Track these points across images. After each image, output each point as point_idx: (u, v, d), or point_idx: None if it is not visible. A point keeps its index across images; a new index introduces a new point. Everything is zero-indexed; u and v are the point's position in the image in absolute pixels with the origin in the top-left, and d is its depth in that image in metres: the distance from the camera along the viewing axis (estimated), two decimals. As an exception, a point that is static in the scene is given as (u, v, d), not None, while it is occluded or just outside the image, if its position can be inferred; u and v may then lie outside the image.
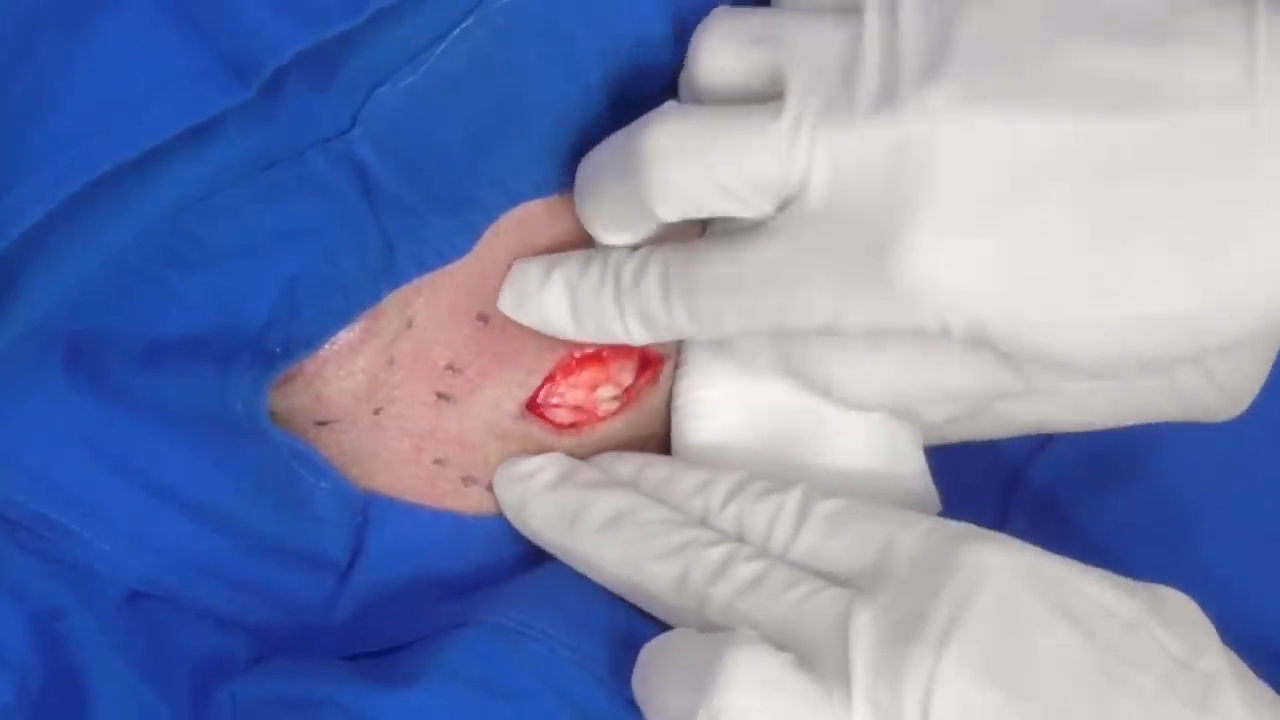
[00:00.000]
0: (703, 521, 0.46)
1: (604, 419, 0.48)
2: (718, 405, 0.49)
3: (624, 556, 0.45)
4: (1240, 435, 0.49)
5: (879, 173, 0.40)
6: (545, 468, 0.47)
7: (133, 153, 0.39)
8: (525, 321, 0.46)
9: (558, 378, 0.47)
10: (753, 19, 0.43)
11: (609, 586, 0.46)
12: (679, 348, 0.50)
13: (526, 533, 0.47)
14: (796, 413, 0.48)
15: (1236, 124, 0.39)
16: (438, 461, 0.47)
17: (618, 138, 0.44)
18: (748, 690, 0.40)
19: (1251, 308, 0.40)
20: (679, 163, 0.42)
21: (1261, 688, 0.41)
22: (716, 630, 0.43)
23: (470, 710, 0.43)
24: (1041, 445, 0.54)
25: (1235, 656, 0.42)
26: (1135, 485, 0.55)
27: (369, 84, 0.42)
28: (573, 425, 0.48)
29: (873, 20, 0.41)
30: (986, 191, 0.39)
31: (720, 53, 0.43)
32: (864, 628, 0.41)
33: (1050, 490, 0.56)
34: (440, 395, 0.47)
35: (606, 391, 0.48)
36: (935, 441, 0.50)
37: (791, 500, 0.45)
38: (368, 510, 0.47)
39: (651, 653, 0.43)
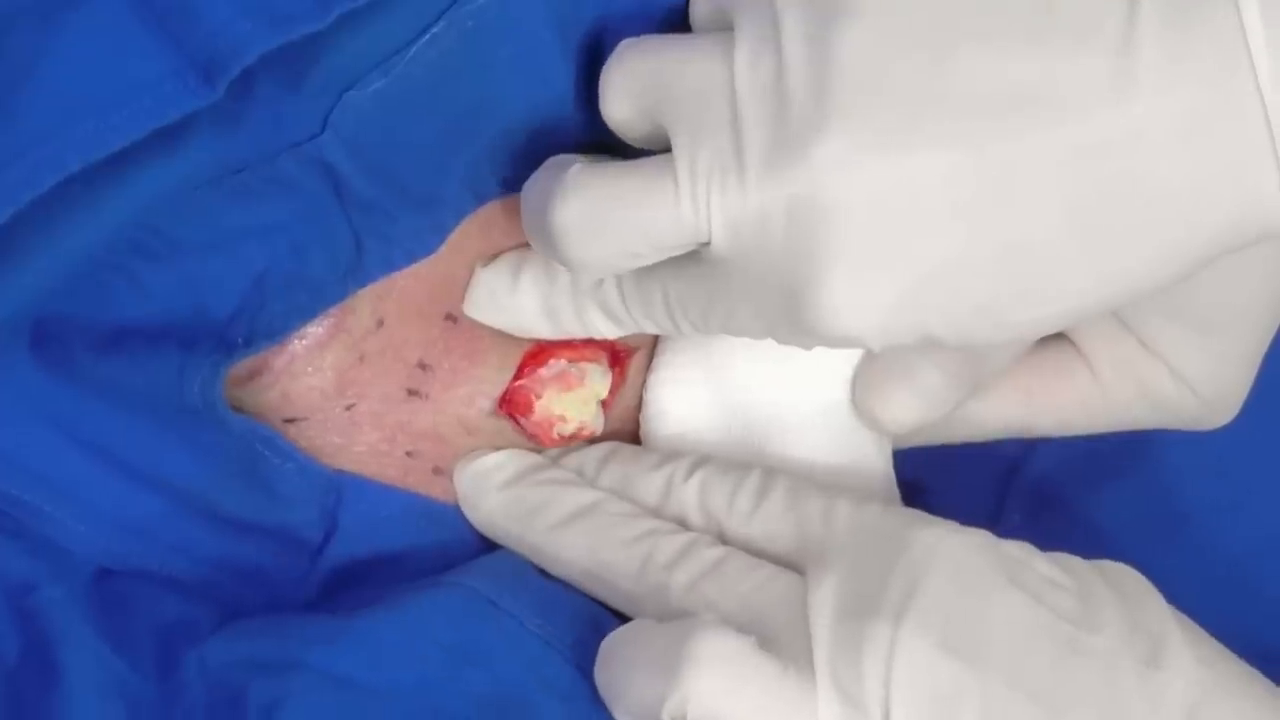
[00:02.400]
0: (665, 495, 0.46)
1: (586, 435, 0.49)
2: (686, 402, 0.49)
3: (584, 547, 0.46)
4: (1235, 430, 0.49)
5: (777, 230, 0.40)
6: (505, 465, 0.48)
7: (100, 154, 0.39)
8: (497, 325, 0.47)
9: (526, 371, 0.48)
10: (642, 60, 0.42)
11: (568, 579, 0.47)
12: (651, 342, 0.50)
13: (482, 527, 0.48)
14: (764, 409, 0.49)
15: (1112, 129, 0.37)
16: (409, 454, 0.48)
17: (533, 197, 0.44)
18: (715, 672, 0.41)
19: (1154, 288, 0.39)
20: (588, 240, 0.42)
21: (1211, 641, 0.42)
22: (676, 617, 0.44)
23: (441, 675, 0.44)
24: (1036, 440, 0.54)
25: (1183, 617, 0.42)
26: (1131, 480, 0.55)
27: (338, 87, 0.42)
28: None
29: (744, 57, 0.40)
30: (885, 235, 0.39)
31: (617, 103, 0.43)
32: (822, 604, 0.41)
33: (1046, 484, 0.56)
34: (411, 392, 0.47)
35: (587, 411, 0.48)
36: (911, 444, 0.50)
37: (754, 475, 0.46)
38: (341, 490, 0.47)
39: (613, 643, 0.44)
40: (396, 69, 0.42)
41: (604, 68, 0.43)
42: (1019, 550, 0.43)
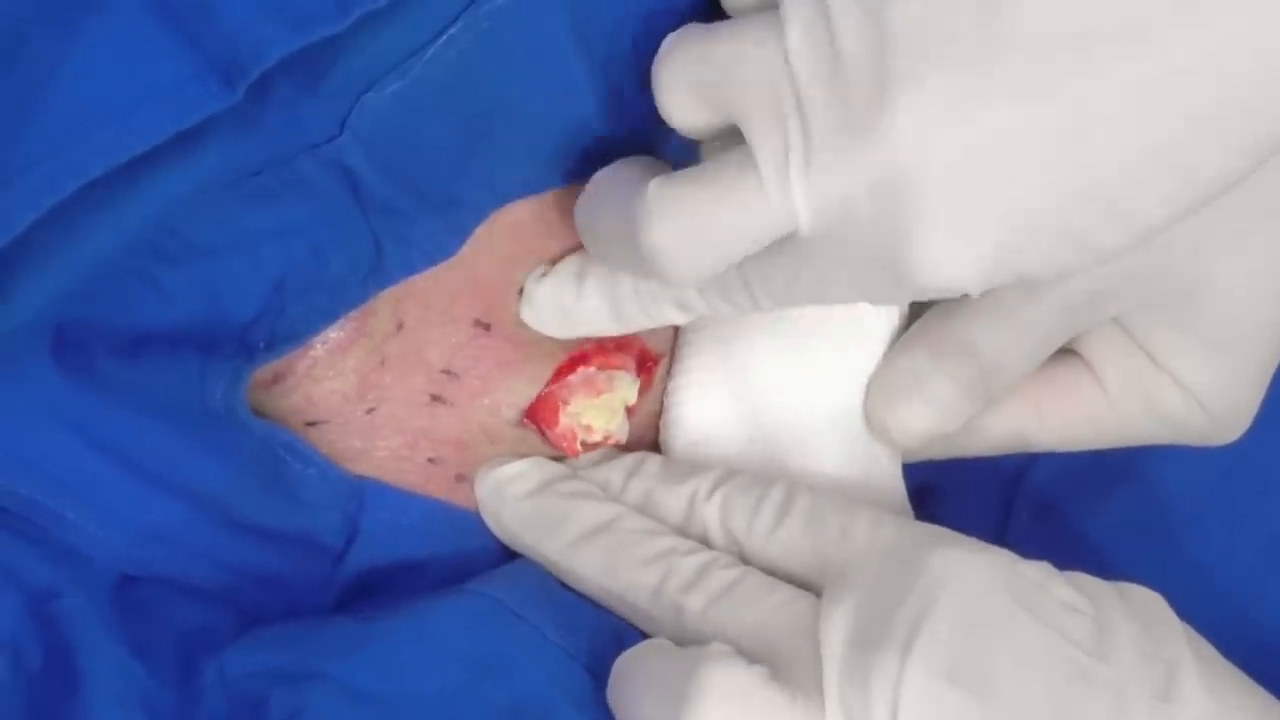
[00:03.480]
0: (688, 513, 0.46)
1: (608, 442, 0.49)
2: (706, 408, 0.49)
3: (603, 564, 0.46)
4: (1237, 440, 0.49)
5: (863, 206, 0.39)
6: (527, 474, 0.48)
7: (121, 158, 0.39)
8: (561, 334, 0.47)
9: (556, 381, 0.48)
10: (692, 55, 0.42)
11: (586, 594, 0.47)
12: (673, 347, 0.50)
13: (502, 536, 0.48)
14: (782, 415, 0.49)
15: (1180, 56, 0.37)
16: (431, 460, 0.48)
17: (606, 220, 0.43)
18: (723, 704, 0.41)
19: (1234, 184, 0.39)
20: (688, 256, 0.41)
21: (1226, 669, 0.42)
22: (692, 639, 0.44)
23: (462, 686, 0.44)
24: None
25: (1202, 642, 0.42)
26: (1135, 483, 0.55)
27: (356, 89, 0.42)
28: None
29: (796, 38, 0.40)
30: (971, 196, 0.39)
31: (677, 105, 0.42)
32: (833, 632, 0.41)
33: (1053, 487, 0.55)
34: (435, 397, 0.47)
35: (614, 420, 0.48)
36: (920, 458, 0.50)
37: (775, 493, 0.46)
38: (363, 495, 0.47)
39: (625, 665, 0.44)
40: (414, 71, 0.42)
41: (654, 68, 0.42)
42: (1037, 573, 0.42)
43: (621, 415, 0.48)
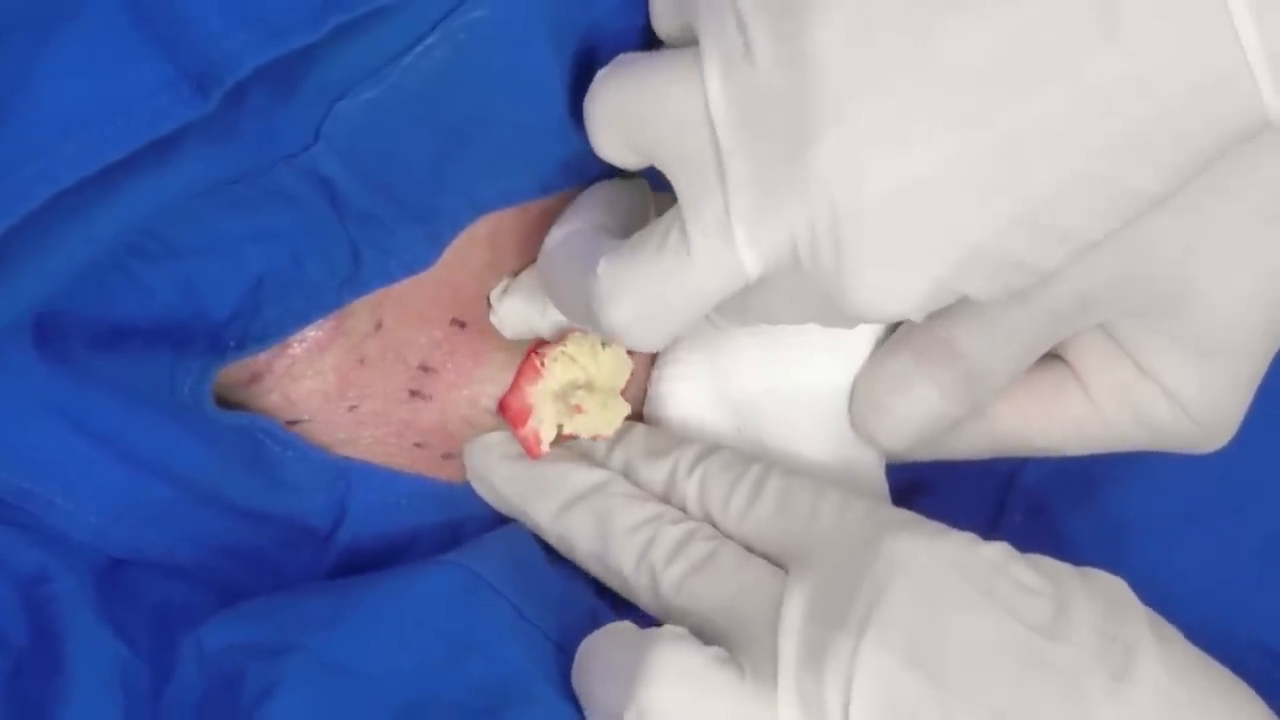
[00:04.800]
0: (669, 486, 0.47)
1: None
2: (690, 398, 0.49)
3: (591, 527, 0.46)
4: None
5: (804, 247, 0.40)
6: (514, 439, 0.48)
7: (94, 167, 0.39)
8: (536, 335, 0.47)
9: (528, 373, 0.48)
10: (619, 95, 0.42)
11: (572, 557, 0.47)
12: None
13: (492, 501, 0.48)
14: (767, 417, 0.49)
15: (1109, 73, 0.37)
16: (418, 445, 0.48)
17: (567, 296, 0.44)
18: (673, 686, 0.41)
19: (1168, 196, 0.39)
20: (648, 330, 0.42)
21: (1187, 651, 0.42)
22: (666, 609, 0.44)
23: (439, 661, 0.44)
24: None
25: (1164, 625, 0.42)
26: (1125, 487, 0.55)
27: (329, 98, 0.42)
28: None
29: (715, 77, 0.40)
30: (909, 228, 0.39)
31: (606, 144, 0.42)
32: (792, 613, 0.42)
33: (1042, 491, 0.55)
34: (414, 393, 0.47)
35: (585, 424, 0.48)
36: (904, 461, 0.50)
37: (753, 471, 0.46)
38: (350, 477, 0.47)
39: (587, 648, 0.44)
40: (389, 79, 0.42)
41: (585, 104, 0.42)
42: (998, 554, 0.42)
43: (608, 409, 0.48)
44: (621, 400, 0.49)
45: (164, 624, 0.45)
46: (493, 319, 0.47)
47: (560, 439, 0.48)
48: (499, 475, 0.48)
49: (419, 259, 0.45)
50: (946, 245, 0.39)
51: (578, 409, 0.47)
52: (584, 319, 0.44)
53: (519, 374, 0.48)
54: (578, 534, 0.47)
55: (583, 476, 0.47)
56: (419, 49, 0.42)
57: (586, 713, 0.44)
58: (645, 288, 0.41)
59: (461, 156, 0.44)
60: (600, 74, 0.42)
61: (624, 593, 0.46)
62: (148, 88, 0.39)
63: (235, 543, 0.47)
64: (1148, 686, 0.40)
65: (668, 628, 0.43)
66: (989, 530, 0.53)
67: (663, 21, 0.43)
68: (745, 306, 0.42)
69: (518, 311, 0.47)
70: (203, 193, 0.42)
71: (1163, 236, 0.45)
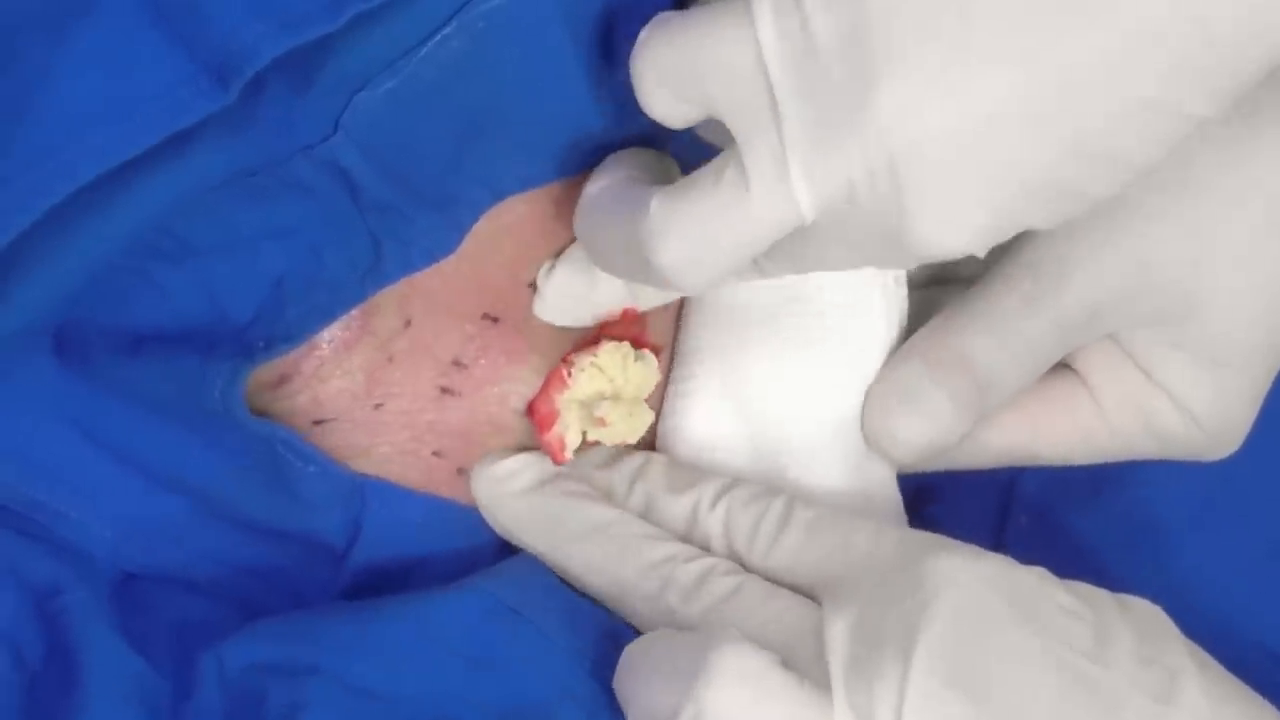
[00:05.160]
0: (691, 522, 0.46)
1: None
2: (704, 416, 0.49)
3: (601, 568, 0.46)
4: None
5: (863, 189, 0.39)
6: (523, 471, 0.48)
7: (115, 161, 0.39)
8: (580, 322, 0.47)
9: (554, 379, 0.48)
10: (668, 49, 0.41)
11: (586, 592, 0.47)
12: (673, 340, 0.50)
13: (500, 531, 0.48)
14: (780, 431, 0.49)
15: (1158, 10, 0.37)
16: (435, 454, 0.48)
17: (610, 238, 0.44)
18: (733, 686, 0.41)
19: (1220, 116, 0.39)
20: (699, 270, 0.42)
21: (1225, 677, 0.42)
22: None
23: (460, 684, 0.44)
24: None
25: (1203, 653, 0.42)
26: (1128, 491, 0.55)
27: (349, 89, 0.42)
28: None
29: (767, 26, 0.40)
30: (966, 166, 0.39)
31: (657, 100, 0.42)
32: (838, 635, 0.41)
33: (1046, 494, 0.55)
34: (444, 389, 0.47)
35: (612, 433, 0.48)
36: (914, 471, 0.50)
37: (777, 505, 0.46)
38: (365, 494, 0.47)
39: (635, 650, 0.44)
40: (407, 69, 0.42)
41: (631, 62, 0.42)
42: (1036, 579, 0.42)
43: (632, 419, 0.48)
44: (646, 408, 0.48)
45: (181, 639, 0.44)
46: (537, 304, 0.47)
47: (585, 446, 0.48)
48: (507, 510, 0.48)
49: (440, 246, 0.45)
50: (1005, 178, 0.39)
51: (601, 422, 0.47)
52: (629, 267, 0.43)
53: (549, 379, 0.48)
54: (589, 572, 0.46)
55: (591, 513, 0.47)
56: (436, 39, 0.42)
57: (629, 717, 0.43)
58: (700, 224, 0.41)
59: (479, 143, 0.44)
60: (644, 33, 0.42)
61: (644, 629, 0.46)
62: (167, 82, 0.39)
63: (250, 559, 0.46)
64: (1189, 711, 0.40)
65: (727, 629, 0.42)
66: (994, 534, 0.53)
67: None
68: (801, 253, 0.42)
69: (565, 286, 0.47)
70: (220, 185, 0.41)
71: (1171, 246, 0.45)
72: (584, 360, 0.48)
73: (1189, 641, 0.42)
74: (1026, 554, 0.44)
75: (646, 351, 0.49)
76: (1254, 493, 0.54)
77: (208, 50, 0.39)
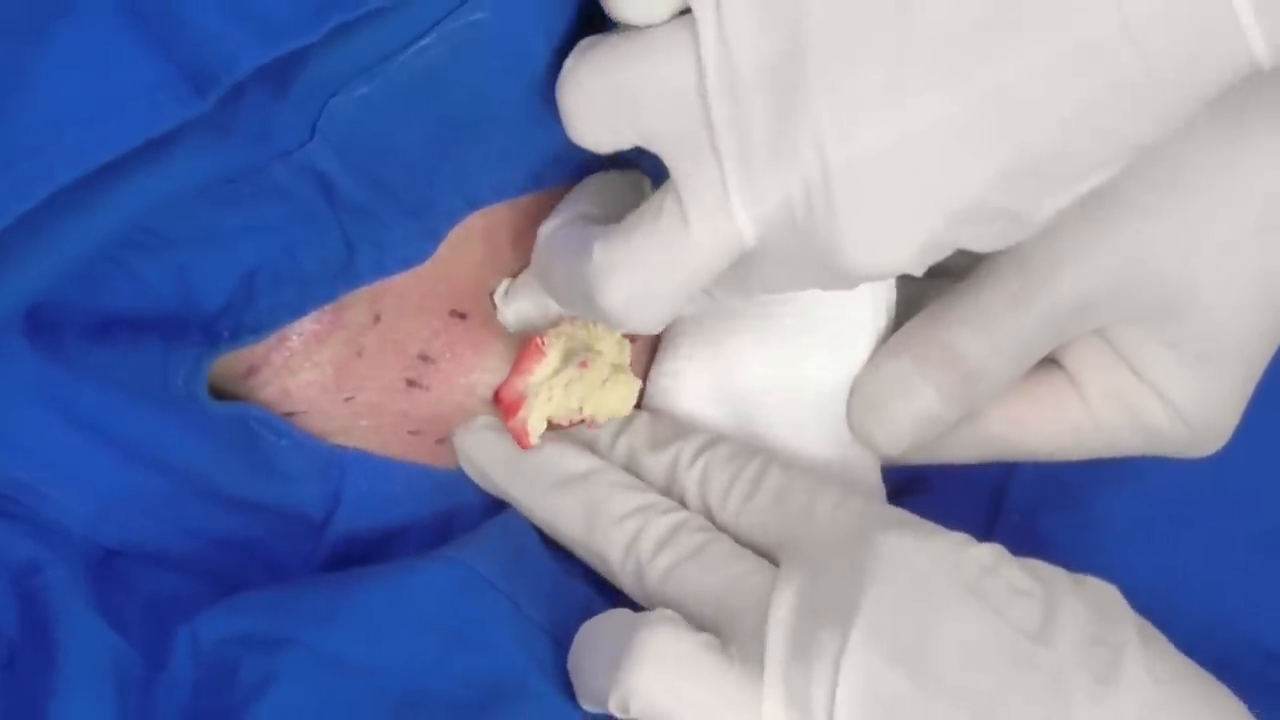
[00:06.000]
0: (670, 478, 0.47)
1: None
2: (691, 393, 0.50)
3: (579, 516, 0.46)
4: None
5: (800, 211, 0.40)
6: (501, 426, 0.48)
7: (90, 166, 0.39)
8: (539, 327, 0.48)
9: (524, 363, 0.48)
10: (601, 75, 0.41)
11: (561, 541, 0.47)
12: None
13: (481, 482, 0.48)
14: (765, 419, 0.49)
15: (1096, 28, 0.37)
16: (413, 432, 0.48)
17: (562, 279, 0.44)
18: (657, 669, 0.42)
19: (1162, 141, 0.39)
20: (646, 310, 0.42)
21: (1173, 656, 0.42)
22: (654, 601, 0.45)
23: (433, 657, 0.44)
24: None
25: (1153, 631, 0.42)
26: (1130, 474, 0.54)
27: (324, 94, 0.42)
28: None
29: (710, 49, 0.40)
30: (902, 186, 0.39)
31: (587, 129, 0.42)
32: (782, 606, 0.42)
33: (1045, 482, 0.55)
34: (411, 382, 0.47)
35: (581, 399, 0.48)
36: (900, 464, 0.50)
37: (752, 465, 0.46)
38: (344, 465, 0.47)
39: (584, 630, 0.44)
40: (381, 75, 0.42)
41: (559, 91, 0.42)
42: (990, 556, 0.43)
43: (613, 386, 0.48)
44: (632, 376, 0.48)
45: (158, 614, 0.44)
46: (498, 317, 0.48)
47: (553, 428, 0.48)
48: (489, 458, 0.48)
49: (415, 253, 0.46)
50: (939, 198, 0.39)
51: (584, 365, 0.47)
52: (582, 307, 0.44)
53: (521, 356, 0.48)
54: (566, 520, 0.47)
55: (573, 462, 0.47)
56: (414, 49, 0.42)
57: (579, 698, 0.44)
58: (641, 265, 0.41)
59: (454, 150, 0.44)
60: (570, 61, 0.42)
61: (612, 580, 0.46)
62: (144, 85, 0.39)
63: (229, 533, 0.47)
64: (1130, 690, 0.40)
65: (659, 611, 0.43)
66: (985, 528, 0.53)
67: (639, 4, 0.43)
68: (745, 278, 0.42)
69: (521, 311, 0.47)
70: (199, 192, 0.41)
71: (1161, 243, 0.45)
72: (552, 330, 0.48)
73: (1141, 621, 0.42)
74: (1016, 550, 0.43)
75: None
76: (1244, 489, 0.54)
77: (187, 56, 0.39)
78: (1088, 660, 0.40)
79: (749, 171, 0.40)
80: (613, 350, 0.48)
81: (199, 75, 0.39)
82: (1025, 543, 0.44)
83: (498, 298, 0.48)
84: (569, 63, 0.42)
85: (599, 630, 0.44)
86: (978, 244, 0.40)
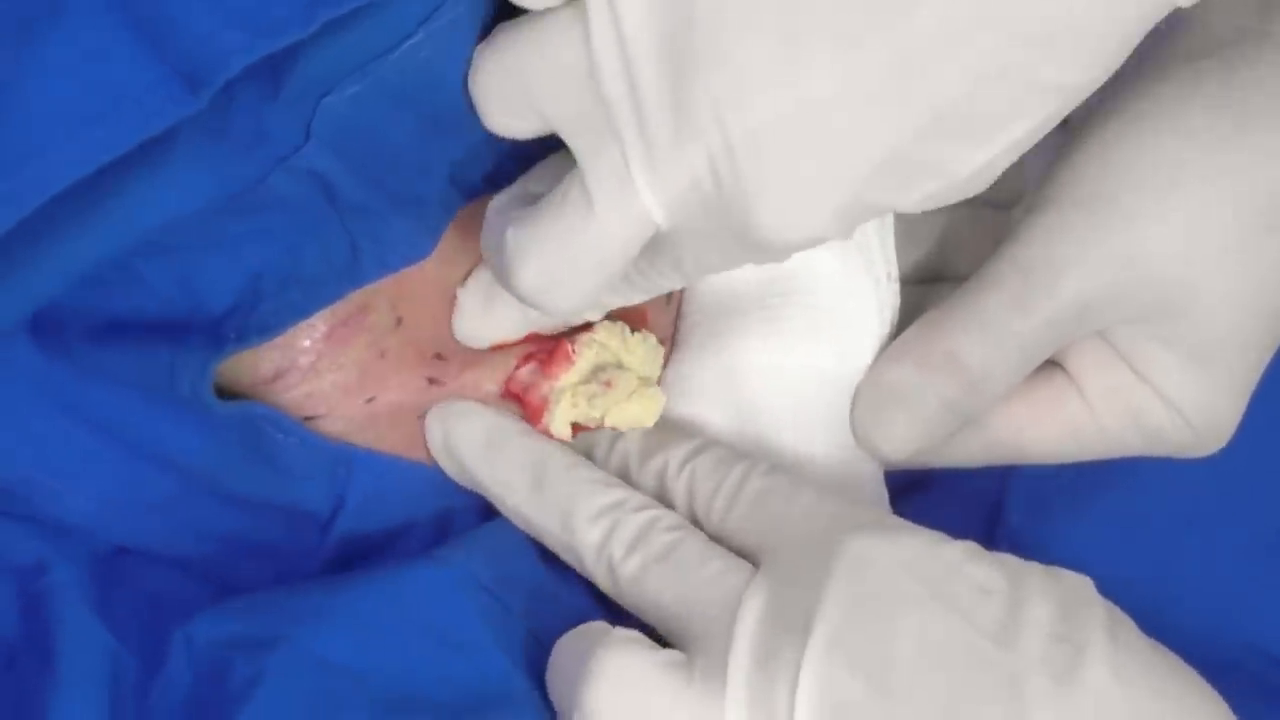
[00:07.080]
0: (660, 486, 0.47)
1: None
2: (696, 403, 0.49)
3: (554, 513, 0.46)
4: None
5: (709, 186, 0.40)
6: (477, 413, 0.48)
7: (87, 169, 0.38)
8: (494, 341, 0.48)
9: (551, 368, 0.48)
10: (500, 62, 0.42)
11: (539, 538, 0.47)
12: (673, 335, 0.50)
13: (455, 475, 0.48)
14: (771, 417, 0.49)
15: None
16: (421, 418, 0.48)
17: (491, 262, 0.44)
18: (612, 689, 0.42)
19: (1094, 86, 0.39)
20: (559, 293, 0.42)
21: (1142, 652, 0.41)
22: (627, 602, 0.45)
23: (424, 660, 0.44)
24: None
25: (1124, 624, 0.41)
26: (1121, 486, 0.55)
27: (315, 94, 0.42)
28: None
29: (600, 29, 0.39)
30: (808, 153, 0.39)
31: (496, 115, 0.42)
32: (749, 613, 0.42)
33: (1040, 487, 0.55)
34: (431, 380, 0.48)
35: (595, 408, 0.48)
36: (901, 468, 0.50)
37: (736, 471, 0.46)
38: (350, 463, 0.47)
39: (557, 647, 0.44)
40: (372, 75, 0.42)
41: (469, 83, 0.42)
42: (958, 554, 0.42)
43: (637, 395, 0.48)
44: (659, 391, 0.48)
45: (156, 616, 0.44)
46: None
47: (576, 431, 0.48)
48: (467, 450, 0.48)
49: (416, 249, 0.46)
50: (849, 162, 0.39)
51: (608, 385, 0.47)
52: (507, 288, 0.43)
53: (552, 359, 0.48)
54: (540, 517, 0.47)
55: (550, 459, 0.47)
56: (404, 47, 0.42)
57: (558, 712, 0.44)
58: (550, 249, 0.41)
59: (445, 143, 0.44)
60: (477, 50, 0.42)
61: (587, 576, 0.46)
62: (138, 86, 0.38)
63: (234, 531, 0.47)
64: (1090, 689, 0.40)
65: (619, 630, 0.43)
66: (987, 529, 0.53)
67: None
68: (677, 259, 0.42)
69: (466, 306, 0.47)
70: (206, 209, 0.41)
71: (1161, 245, 0.45)
72: (585, 337, 0.48)
73: (1113, 614, 0.42)
74: (1016, 550, 0.43)
75: (645, 331, 0.49)
76: (1244, 489, 0.54)
77: (179, 56, 0.39)
78: (1048, 659, 0.40)
79: (651, 151, 0.40)
80: (642, 361, 0.48)
81: (192, 74, 0.39)
82: (1026, 543, 0.44)
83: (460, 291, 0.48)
84: (476, 51, 0.42)
85: (567, 646, 0.44)
86: (906, 204, 0.40)
